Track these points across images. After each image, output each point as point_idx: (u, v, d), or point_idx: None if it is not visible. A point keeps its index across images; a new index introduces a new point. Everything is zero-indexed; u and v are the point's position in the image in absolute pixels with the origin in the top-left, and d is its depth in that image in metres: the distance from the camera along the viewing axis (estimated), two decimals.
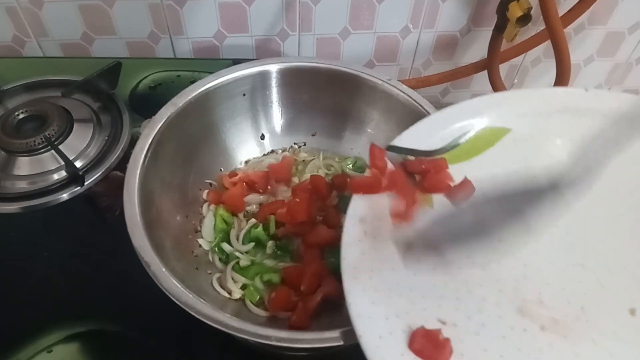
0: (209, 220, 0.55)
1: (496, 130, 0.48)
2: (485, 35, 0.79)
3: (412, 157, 0.46)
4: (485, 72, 0.79)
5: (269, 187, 0.59)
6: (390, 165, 0.45)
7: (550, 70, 0.72)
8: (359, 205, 0.42)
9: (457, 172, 0.45)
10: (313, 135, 0.64)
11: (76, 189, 0.58)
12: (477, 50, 0.83)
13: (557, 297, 0.37)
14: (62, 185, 0.58)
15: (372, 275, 0.37)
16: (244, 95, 0.59)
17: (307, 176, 0.60)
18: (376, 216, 0.41)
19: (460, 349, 0.34)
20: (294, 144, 0.64)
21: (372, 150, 0.45)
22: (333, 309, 0.49)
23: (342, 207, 0.55)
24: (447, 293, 0.37)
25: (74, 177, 0.58)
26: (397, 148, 0.46)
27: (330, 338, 0.37)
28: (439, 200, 0.44)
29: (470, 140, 0.47)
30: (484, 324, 0.35)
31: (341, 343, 0.37)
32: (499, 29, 0.73)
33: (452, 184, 0.45)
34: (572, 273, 0.38)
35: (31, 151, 0.60)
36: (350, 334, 0.37)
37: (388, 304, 0.36)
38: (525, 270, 0.38)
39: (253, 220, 0.55)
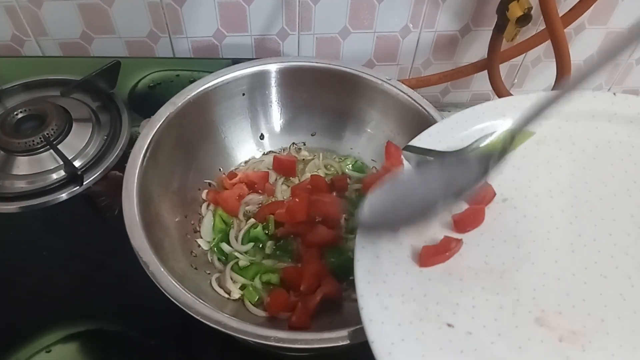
0: (208, 221, 0.55)
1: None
2: (485, 35, 0.79)
3: (430, 158, 0.45)
4: (486, 72, 0.79)
5: (271, 187, 0.59)
6: (406, 164, 0.44)
7: (550, 70, 0.71)
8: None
9: None
10: (312, 135, 0.64)
11: (75, 189, 0.58)
12: (477, 50, 0.83)
13: (577, 308, 0.35)
14: (61, 185, 0.58)
15: (386, 279, 0.37)
16: (244, 94, 0.59)
17: (307, 176, 0.60)
18: None
19: (474, 358, 0.33)
20: (294, 143, 0.64)
21: (388, 149, 0.44)
22: (333, 309, 0.49)
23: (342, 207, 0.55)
24: (462, 300, 0.36)
25: (73, 176, 0.58)
26: (415, 148, 0.45)
27: (330, 338, 0.37)
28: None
29: (491, 143, 0.46)
30: (500, 333, 0.34)
31: (341, 343, 0.37)
32: (499, 29, 0.72)
33: None
34: (593, 284, 0.37)
35: (30, 151, 0.60)
36: (352, 334, 0.37)
37: (401, 310, 0.35)
38: (545, 280, 0.37)
39: (252, 220, 0.55)
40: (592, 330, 0.34)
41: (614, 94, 0.46)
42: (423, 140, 0.46)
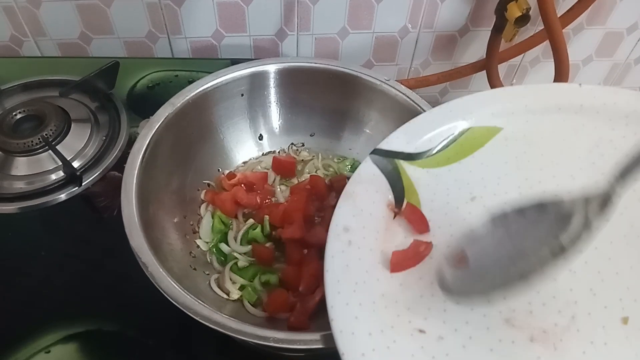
0: (207, 221, 0.55)
1: (487, 129, 0.46)
2: (484, 35, 0.79)
3: (400, 160, 0.45)
4: (484, 72, 0.79)
5: (269, 188, 0.59)
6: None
7: (549, 70, 0.72)
8: (343, 214, 0.41)
9: (447, 174, 0.44)
10: (311, 135, 0.64)
11: (74, 189, 0.58)
12: (476, 50, 0.83)
13: (547, 306, 0.35)
14: (59, 186, 0.58)
15: (356, 288, 0.36)
16: (242, 95, 0.59)
17: (306, 176, 0.60)
18: (361, 225, 0.40)
19: None
20: (292, 144, 0.64)
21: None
22: None
23: None
24: (434, 305, 0.36)
25: (72, 177, 0.58)
26: (383, 151, 0.45)
27: (328, 338, 0.37)
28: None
29: (460, 141, 0.46)
30: (471, 336, 0.34)
31: None
32: (498, 29, 0.73)
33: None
34: (563, 281, 0.36)
35: (29, 151, 0.60)
36: None
37: (372, 319, 0.35)
38: None
39: (251, 221, 0.55)
40: (563, 328, 0.34)
41: (580, 85, 0.45)
42: (391, 142, 0.46)
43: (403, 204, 0.43)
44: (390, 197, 0.43)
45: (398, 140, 0.46)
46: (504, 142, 0.45)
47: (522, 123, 0.46)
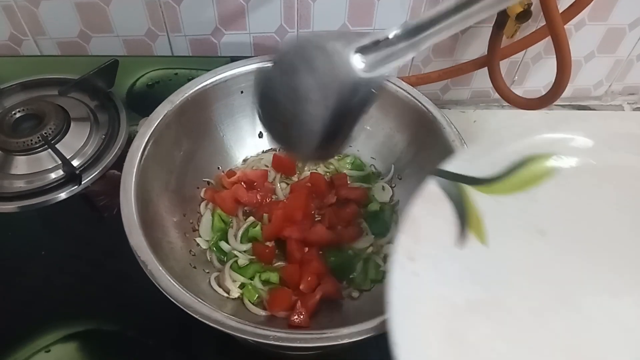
0: (207, 219, 0.55)
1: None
2: (485, 31, 0.78)
3: (465, 184, 0.42)
4: (486, 69, 0.79)
5: (269, 185, 0.58)
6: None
7: (551, 66, 0.71)
8: (406, 242, 0.38)
9: (512, 203, 0.42)
10: None
11: (73, 188, 0.58)
12: (477, 47, 0.83)
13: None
14: (59, 185, 0.58)
15: (422, 324, 0.35)
16: (242, 92, 0.59)
17: (306, 173, 0.60)
18: (425, 254, 0.38)
19: None
20: None
21: None
22: (332, 307, 0.49)
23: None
24: (499, 346, 0.35)
25: (71, 176, 0.58)
26: (447, 173, 0.43)
27: (329, 337, 0.37)
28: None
29: (528, 168, 0.43)
30: None
31: (340, 342, 0.37)
32: (499, 26, 0.72)
33: None
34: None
35: (28, 150, 0.60)
36: (351, 333, 0.37)
37: (438, 356, 0.34)
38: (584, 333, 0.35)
39: (251, 219, 0.55)
40: None
41: None
42: (456, 164, 0.43)
43: (466, 232, 0.41)
44: (456, 224, 0.41)
45: (463, 163, 0.43)
46: (576, 176, 0.42)
47: (593, 154, 0.43)
